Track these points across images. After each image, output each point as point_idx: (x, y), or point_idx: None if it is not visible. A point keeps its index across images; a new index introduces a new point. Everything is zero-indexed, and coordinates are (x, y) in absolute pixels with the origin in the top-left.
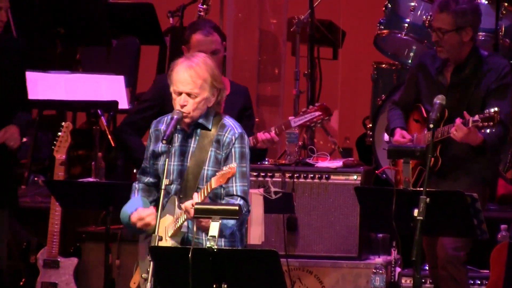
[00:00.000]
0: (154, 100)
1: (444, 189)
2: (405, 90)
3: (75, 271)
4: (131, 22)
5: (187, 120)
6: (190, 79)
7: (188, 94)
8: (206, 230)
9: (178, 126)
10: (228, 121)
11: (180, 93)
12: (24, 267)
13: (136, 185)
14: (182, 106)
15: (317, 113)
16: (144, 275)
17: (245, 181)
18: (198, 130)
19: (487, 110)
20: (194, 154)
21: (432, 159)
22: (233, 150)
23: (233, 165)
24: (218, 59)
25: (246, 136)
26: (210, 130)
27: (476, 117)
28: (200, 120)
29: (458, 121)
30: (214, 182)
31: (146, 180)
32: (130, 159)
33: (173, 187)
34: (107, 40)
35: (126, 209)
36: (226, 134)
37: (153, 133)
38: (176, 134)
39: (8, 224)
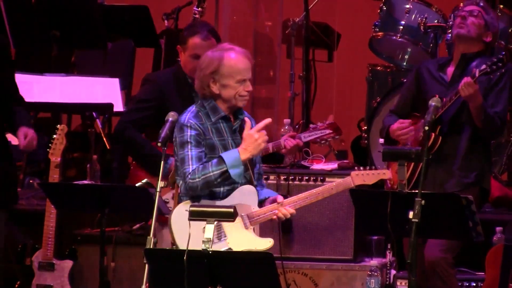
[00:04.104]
0: (154, 100)
1: (439, 177)
2: (402, 97)
3: (70, 274)
4: (126, 24)
5: (246, 103)
6: (250, 66)
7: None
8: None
9: (223, 114)
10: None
11: (244, 80)
12: (19, 270)
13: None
14: (248, 92)
15: (328, 131)
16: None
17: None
18: (240, 117)
19: (493, 59)
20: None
21: (433, 136)
22: None
23: None
24: None
25: None
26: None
27: (483, 66)
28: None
29: (467, 78)
30: None
31: None
32: (137, 157)
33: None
34: (102, 43)
35: (228, 154)
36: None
37: (201, 128)
38: (221, 125)
39: (4, 227)
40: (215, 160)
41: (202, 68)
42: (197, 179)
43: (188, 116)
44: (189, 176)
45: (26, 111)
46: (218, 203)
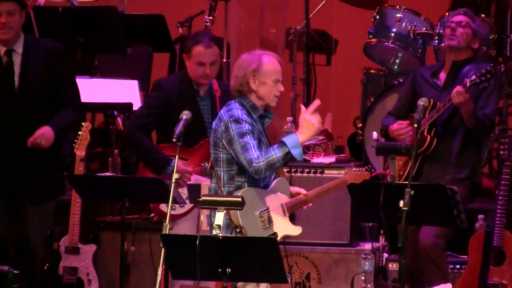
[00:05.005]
0: (161, 107)
1: (433, 176)
2: (399, 101)
3: (93, 257)
4: (144, 31)
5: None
6: (281, 69)
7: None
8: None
9: (261, 112)
10: None
11: (278, 81)
12: (48, 253)
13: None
14: (280, 92)
15: (321, 137)
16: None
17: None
18: (269, 116)
19: (482, 70)
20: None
21: (428, 138)
22: None
23: None
24: (216, 69)
25: None
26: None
27: (473, 77)
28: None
29: (458, 87)
30: None
31: None
32: (143, 159)
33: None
34: (122, 48)
35: (287, 138)
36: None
37: (251, 124)
38: (258, 123)
39: (52, 217)
40: (276, 145)
41: (244, 66)
42: (261, 163)
43: (239, 112)
44: (255, 161)
45: (73, 116)
46: (264, 192)
